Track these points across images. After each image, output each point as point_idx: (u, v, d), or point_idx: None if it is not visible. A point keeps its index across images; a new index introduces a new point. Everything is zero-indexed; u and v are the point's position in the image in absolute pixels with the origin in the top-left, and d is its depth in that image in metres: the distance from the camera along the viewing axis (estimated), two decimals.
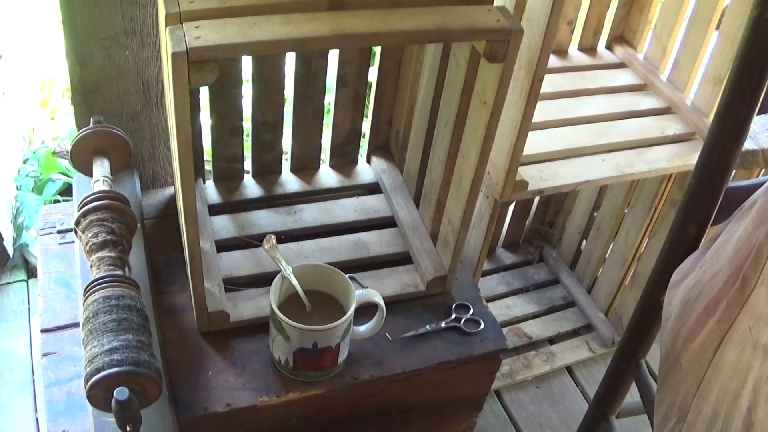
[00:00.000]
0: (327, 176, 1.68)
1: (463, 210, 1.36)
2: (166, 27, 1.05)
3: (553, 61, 2.00)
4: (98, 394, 1.08)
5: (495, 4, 1.20)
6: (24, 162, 2.60)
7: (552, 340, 2.33)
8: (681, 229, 1.32)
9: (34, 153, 2.63)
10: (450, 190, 1.42)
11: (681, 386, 1.16)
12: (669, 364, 1.20)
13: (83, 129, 1.41)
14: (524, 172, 1.62)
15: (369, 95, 1.63)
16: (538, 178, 1.63)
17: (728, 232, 1.16)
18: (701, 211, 1.29)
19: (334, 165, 1.71)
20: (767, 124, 1.80)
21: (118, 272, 1.21)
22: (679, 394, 1.17)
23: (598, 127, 1.82)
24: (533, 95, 1.43)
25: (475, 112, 1.28)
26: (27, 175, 2.56)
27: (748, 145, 1.72)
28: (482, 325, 1.46)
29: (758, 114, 1.48)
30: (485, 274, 2.44)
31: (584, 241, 2.44)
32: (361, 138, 1.70)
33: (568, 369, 2.29)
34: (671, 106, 1.92)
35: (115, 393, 1.04)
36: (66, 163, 2.57)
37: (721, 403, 1.08)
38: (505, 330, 2.26)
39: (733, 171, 1.26)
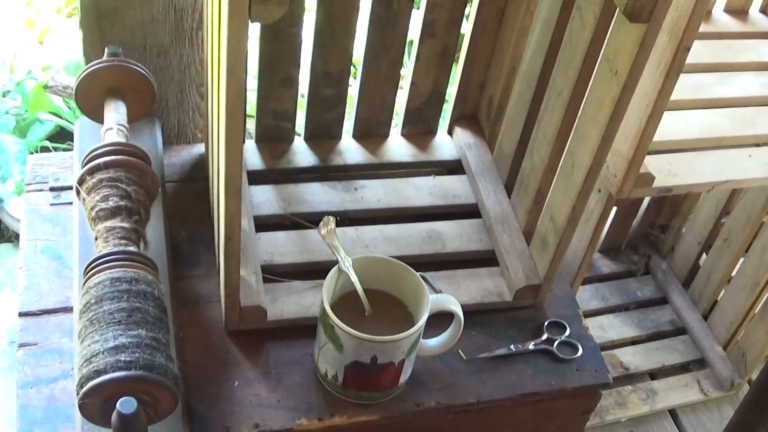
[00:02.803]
0: (398, 147, 1.65)
1: (572, 205, 1.32)
2: None
3: None
4: (94, 404, 1.05)
5: None
6: (3, 95, 2.58)
7: (654, 375, 2.30)
8: None
9: (18, 85, 2.60)
10: (556, 178, 1.38)
11: None
12: None
13: (94, 62, 1.38)
14: (649, 164, 1.57)
15: (459, 50, 1.59)
16: (666, 172, 1.59)
17: None
18: None
19: (407, 134, 1.67)
20: None
21: (131, 248, 1.18)
22: None
23: (745, 112, 1.77)
24: (675, 67, 1.38)
25: (601, 84, 1.23)
26: (7, 112, 2.53)
27: None
28: (580, 351, 1.42)
29: None
30: None
31: (704, 254, 2.38)
32: (444, 103, 1.66)
33: (672, 412, 2.26)
34: None
35: (118, 404, 1.01)
36: (59, 101, 2.54)
37: None
38: None
39: None
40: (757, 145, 1.71)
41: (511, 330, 1.44)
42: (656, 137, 1.57)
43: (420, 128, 1.67)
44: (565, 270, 1.78)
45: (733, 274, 2.26)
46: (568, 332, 1.44)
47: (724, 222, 2.27)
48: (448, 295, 1.30)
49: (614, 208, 2.41)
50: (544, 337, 1.43)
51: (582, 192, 1.30)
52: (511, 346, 1.41)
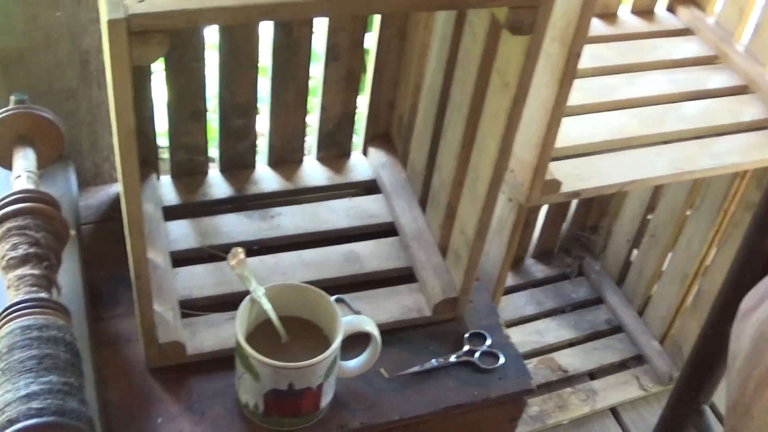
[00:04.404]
0: (313, 172, 1.66)
1: (479, 217, 1.34)
2: None
3: (599, 27, 1.98)
4: None
5: None
6: None
7: (593, 375, 2.32)
8: (754, 242, 1.30)
9: None
10: (463, 191, 1.40)
11: None
12: (737, 416, 1.18)
13: (1, 110, 1.38)
14: (557, 170, 1.59)
15: (366, 70, 1.60)
16: (575, 176, 1.61)
17: None
18: None
19: (322, 158, 1.69)
20: None
21: (42, 295, 1.18)
22: None
23: (653, 111, 1.79)
24: (569, 74, 1.40)
25: (495, 96, 1.25)
26: None
27: None
28: (502, 360, 1.44)
29: None
30: (511, 290, 2.43)
31: (635, 251, 2.41)
32: (356, 124, 1.67)
33: (613, 411, 2.27)
34: (749, 84, 1.90)
35: None
36: None
37: None
38: (534, 361, 2.26)
39: None
40: (666, 143, 1.73)
41: (432, 344, 1.44)
42: (564, 143, 1.59)
43: (334, 151, 1.69)
44: (487, 279, 1.79)
45: (664, 269, 2.28)
46: (489, 342, 1.45)
47: (650, 219, 2.30)
48: (362, 316, 1.32)
49: (544, 213, 2.44)
50: (466, 348, 1.44)
51: (486, 203, 1.32)
52: (433, 361, 1.41)
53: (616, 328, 2.40)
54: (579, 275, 2.52)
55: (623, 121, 1.74)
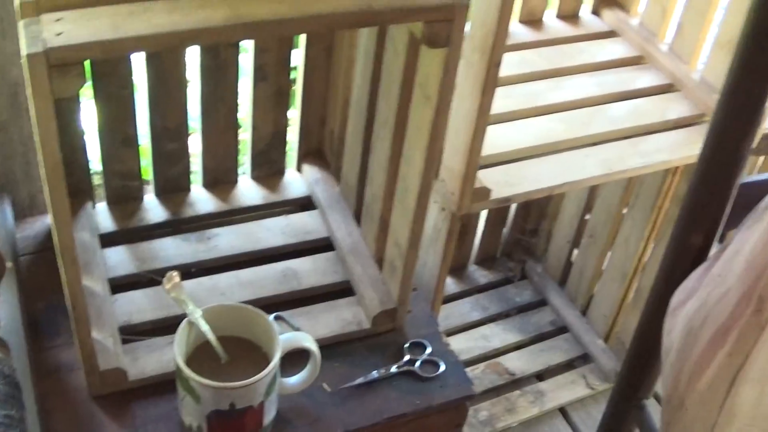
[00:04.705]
0: (248, 191, 1.67)
1: (410, 228, 1.35)
2: (20, 20, 1.03)
3: (524, 33, 2.00)
4: None
5: None
6: None
7: (540, 376, 2.33)
8: (683, 238, 1.31)
9: None
10: (394, 203, 1.41)
11: None
12: (672, 409, 1.19)
13: None
14: (485, 177, 1.61)
15: (295, 87, 1.61)
16: (504, 183, 1.63)
17: (739, 240, 1.15)
18: (707, 214, 1.27)
19: (256, 177, 1.69)
20: None
21: None
22: None
23: (581, 114, 1.81)
24: (490, 83, 1.42)
25: (418, 109, 1.27)
26: None
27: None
28: (442, 368, 1.45)
29: None
30: (455, 297, 2.44)
31: (575, 252, 2.43)
32: (289, 142, 1.68)
33: (562, 411, 2.28)
34: (674, 83, 1.93)
35: None
36: None
37: None
38: (481, 366, 2.27)
39: (747, 162, 1.24)
40: (595, 144, 1.76)
41: (373, 356, 1.46)
42: (492, 150, 1.61)
43: (269, 169, 1.69)
44: (425, 289, 1.80)
45: (604, 267, 2.30)
46: (429, 351, 1.47)
47: (587, 219, 2.32)
48: (300, 332, 1.32)
49: (483, 218, 2.45)
50: (406, 358, 1.45)
51: (417, 214, 1.33)
52: (375, 372, 1.42)
53: (561, 329, 2.42)
54: (522, 278, 2.54)
55: (551, 125, 1.76)
